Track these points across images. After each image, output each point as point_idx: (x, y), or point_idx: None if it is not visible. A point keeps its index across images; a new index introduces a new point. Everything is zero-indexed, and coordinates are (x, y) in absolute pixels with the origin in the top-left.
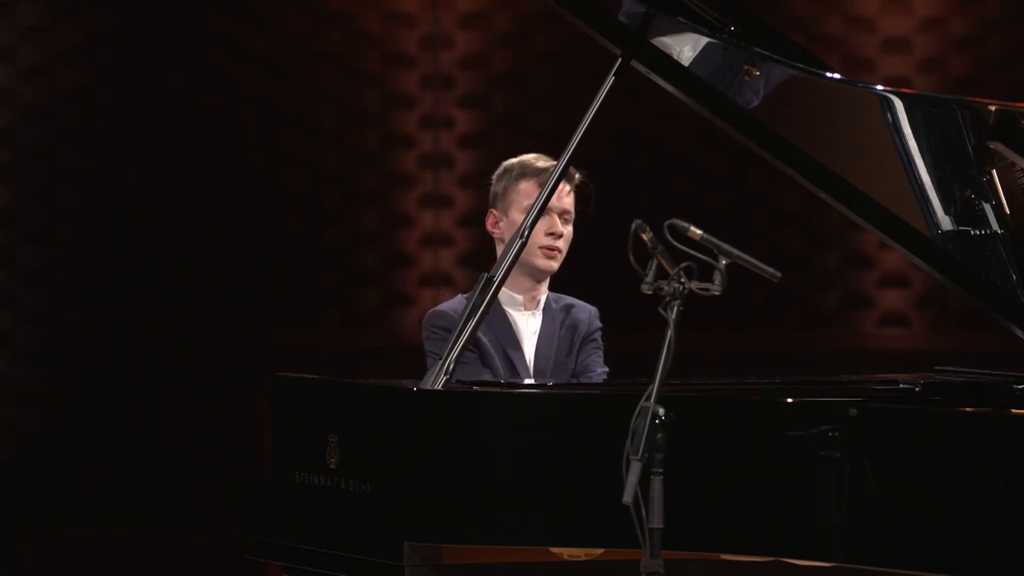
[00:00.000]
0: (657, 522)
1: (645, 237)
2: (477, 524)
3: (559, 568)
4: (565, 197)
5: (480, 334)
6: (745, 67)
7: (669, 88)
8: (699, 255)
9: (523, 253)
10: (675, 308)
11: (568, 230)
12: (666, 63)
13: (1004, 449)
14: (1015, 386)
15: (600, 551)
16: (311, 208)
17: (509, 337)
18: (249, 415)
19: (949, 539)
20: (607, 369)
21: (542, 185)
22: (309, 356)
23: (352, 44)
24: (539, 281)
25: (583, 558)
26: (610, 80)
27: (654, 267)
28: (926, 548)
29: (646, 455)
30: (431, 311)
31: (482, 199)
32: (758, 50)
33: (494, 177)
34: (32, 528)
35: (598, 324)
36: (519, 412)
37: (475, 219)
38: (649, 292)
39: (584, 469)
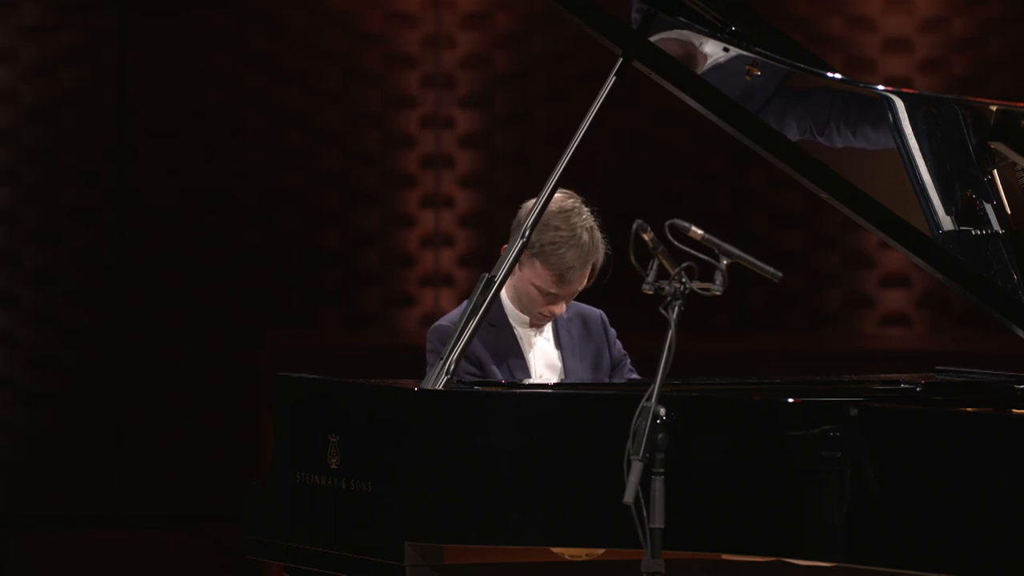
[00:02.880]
0: (658, 522)
1: (646, 237)
2: (478, 524)
3: (560, 568)
4: (578, 282)
5: (483, 352)
6: (746, 67)
7: (670, 88)
8: (700, 255)
9: (520, 305)
10: (676, 308)
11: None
12: (667, 63)
13: (1004, 449)
14: (1016, 386)
15: (601, 551)
16: (312, 208)
17: (515, 354)
18: (249, 415)
19: (950, 539)
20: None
21: (559, 278)
22: (310, 356)
23: (353, 44)
24: None
25: (584, 558)
26: (611, 80)
27: (655, 267)
28: (927, 548)
29: (647, 455)
30: (435, 325)
31: (483, 199)
32: (759, 50)
33: (524, 212)
34: (32, 528)
35: (614, 334)
36: (520, 412)
37: (476, 219)
38: (650, 292)
39: (585, 469)
